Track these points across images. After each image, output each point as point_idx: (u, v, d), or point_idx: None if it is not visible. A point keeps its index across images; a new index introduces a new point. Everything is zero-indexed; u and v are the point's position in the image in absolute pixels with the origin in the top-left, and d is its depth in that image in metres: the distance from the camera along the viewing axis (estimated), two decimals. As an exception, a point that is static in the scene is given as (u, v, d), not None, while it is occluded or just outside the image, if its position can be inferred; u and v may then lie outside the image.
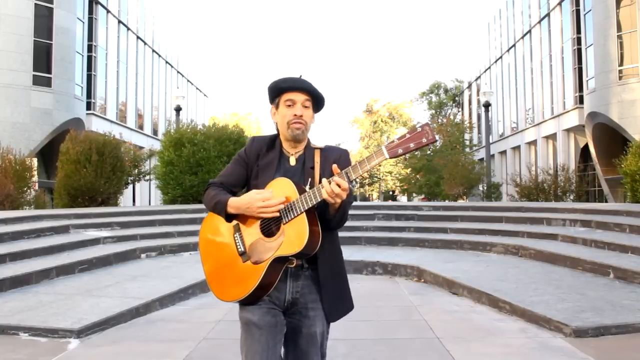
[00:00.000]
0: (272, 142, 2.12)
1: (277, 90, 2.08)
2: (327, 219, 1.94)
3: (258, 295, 1.93)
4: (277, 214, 1.90)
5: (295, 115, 2.02)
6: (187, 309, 5.33)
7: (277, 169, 2.05)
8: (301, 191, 1.89)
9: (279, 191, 1.93)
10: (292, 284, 2.00)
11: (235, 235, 2.00)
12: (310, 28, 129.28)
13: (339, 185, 1.78)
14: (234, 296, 1.96)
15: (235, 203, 1.96)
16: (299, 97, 2.04)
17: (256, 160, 2.10)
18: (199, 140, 13.16)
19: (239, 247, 1.98)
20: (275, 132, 2.16)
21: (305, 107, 2.05)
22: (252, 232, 1.97)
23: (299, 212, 1.85)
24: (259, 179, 2.05)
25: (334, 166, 1.82)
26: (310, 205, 1.84)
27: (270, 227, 1.94)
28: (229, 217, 2.00)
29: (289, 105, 2.04)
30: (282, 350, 2.05)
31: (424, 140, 1.72)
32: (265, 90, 2.13)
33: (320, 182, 1.92)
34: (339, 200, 1.81)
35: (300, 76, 2.09)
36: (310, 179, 1.98)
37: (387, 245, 8.81)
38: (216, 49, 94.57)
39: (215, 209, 2.02)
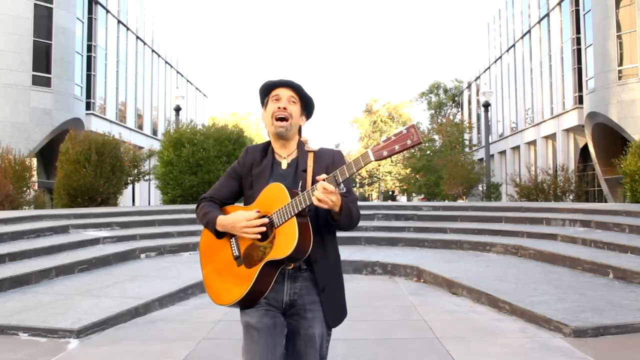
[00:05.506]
0: (265, 150, 2.15)
1: (266, 89, 2.12)
2: (332, 222, 1.94)
3: (252, 298, 1.94)
4: (259, 236, 1.92)
5: (279, 108, 2.05)
6: (187, 309, 5.33)
7: (270, 174, 2.07)
8: (294, 195, 1.90)
9: (271, 197, 1.95)
10: (289, 286, 2.01)
11: (231, 240, 2.04)
12: (310, 28, 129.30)
13: (325, 189, 1.79)
14: (228, 300, 1.98)
15: (222, 221, 2.01)
16: (285, 93, 2.08)
17: (250, 170, 2.12)
18: (199, 140, 13.16)
19: (234, 251, 2.02)
20: (268, 139, 2.19)
21: (292, 102, 2.08)
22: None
23: (290, 216, 1.87)
24: (254, 188, 2.07)
25: (320, 176, 1.84)
26: (301, 209, 1.85)
27: (265, 230, 1.95)
28: (219, 234, 2.04)
29: (275, 100, 2.08)
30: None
31: (409, 142, 1.73)
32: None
33: (312, 185, 1.93)
34: (330, 202, 1.81)
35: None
36: (302, 182, 2.00)
37: (386, 245, 8.82)
38: (216, 49, 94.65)
39: (207, 227, 2.08)
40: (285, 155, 2.10)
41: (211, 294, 2.06)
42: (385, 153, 1.75)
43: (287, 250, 1.85)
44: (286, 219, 1.88)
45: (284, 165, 2.09)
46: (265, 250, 1.92)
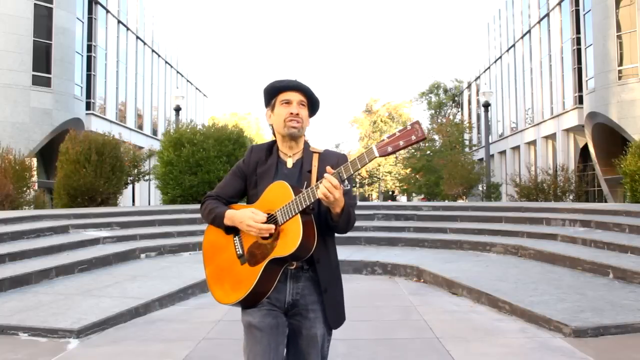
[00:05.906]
0: (270, 149, 2.14)
1: (274, 91, 2.10)
2: (331, 224, 1.94)
3: (255, 298, 1.94)
4: (267, 235, 1.92)
5: (291, 113, 2.04)
6: (187, 309, 5.33)
7: (275, 174, 2.07)
8: (297, 193, 1.89)
9: (274, 195, 1.94)
10: (292, 286, 2.01)
11: (234, 238, 2.03)
12: (310, 28, 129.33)
13: (330, 183, 1.79)
14: (232, 299, 1.97)
15: (231, 215, 2.00)
16: (295, 97, 2.07)
17: (255, 169, 2.11)
18: (199, 140, 13.16)
19: (237, 249, 2.01)
20: (273, 137, 2.18)
21: (302, 106, 2.08)
22: (250, 235, 1.99)
23: (294, 214, 1.86)
24: (258, 187, 2.07)
25: (328, 167, 1.84)
26: (305, 206, 1.85)
27: (268, 236, 1.94)
28: (228, 230, 2.04)
29: (286, 104, 2.06)
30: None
31: (413, 137, 1.73)
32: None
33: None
34: (332, 198, 1.80)
35: (296, 79, 2.11)
36: (306, 182, 1.99)
37: (386, 245, 8.81)
38: (216, 49, 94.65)
39: (214, 223, 2.07)
40: (290, 154, 2.10)
41: (214, 293, 2.06)
42: (389, 149, 1.74)
43: (292, 247, 1.84)
44: (290, 216, 1.87)
45: (289, 165, 2.09)
46: (269, 248, 1.92)
